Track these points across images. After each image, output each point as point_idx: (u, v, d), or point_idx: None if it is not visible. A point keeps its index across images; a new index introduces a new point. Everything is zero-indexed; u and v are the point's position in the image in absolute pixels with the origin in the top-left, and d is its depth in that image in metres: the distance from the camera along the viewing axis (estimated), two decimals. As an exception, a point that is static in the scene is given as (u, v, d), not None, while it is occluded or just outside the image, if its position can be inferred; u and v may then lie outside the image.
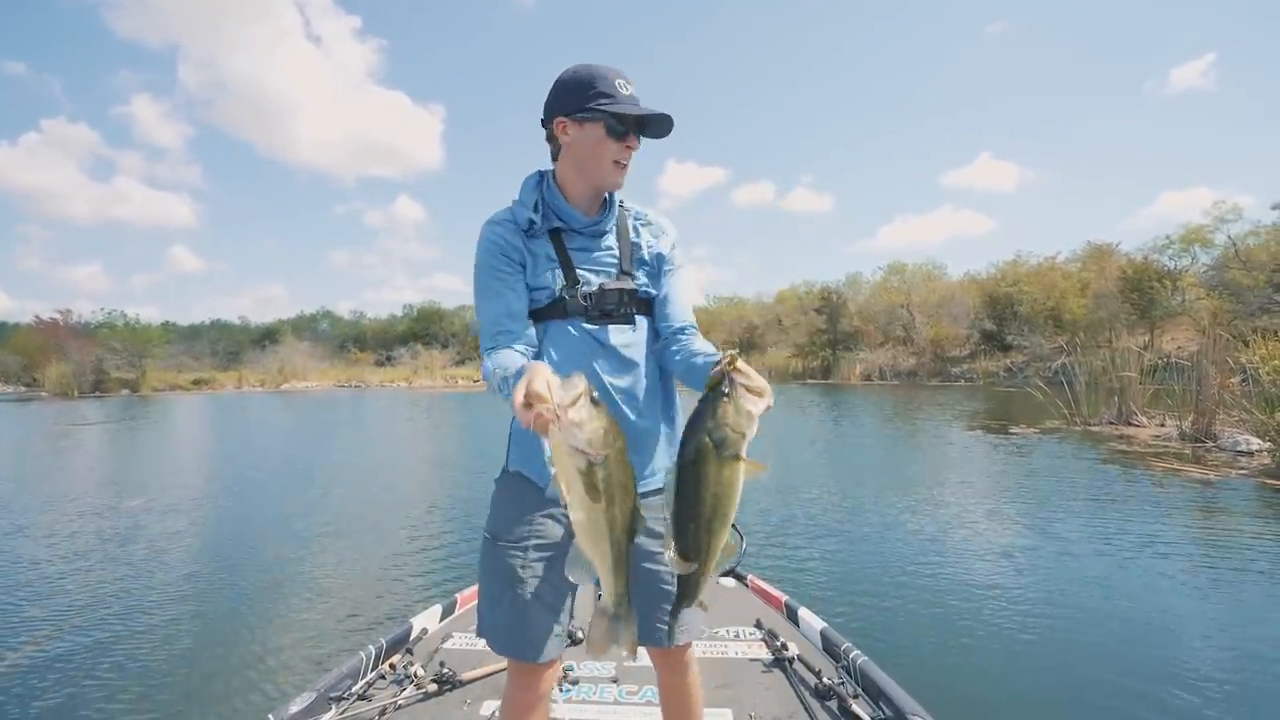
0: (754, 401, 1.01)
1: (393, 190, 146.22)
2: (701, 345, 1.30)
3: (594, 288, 1.29)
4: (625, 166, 1.28)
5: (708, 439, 1.00)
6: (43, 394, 30.35)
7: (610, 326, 1.29)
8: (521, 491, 1.31)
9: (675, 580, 1.22)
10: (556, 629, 1.27)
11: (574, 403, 0.91)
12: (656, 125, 1.27)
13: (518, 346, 1.23)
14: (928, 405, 17.36)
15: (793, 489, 6.72)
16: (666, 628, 1.31)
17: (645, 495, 1.25)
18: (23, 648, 3.30)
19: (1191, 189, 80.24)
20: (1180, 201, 76.90)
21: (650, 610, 1.32)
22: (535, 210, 1.28)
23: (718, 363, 1.03)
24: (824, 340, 35.43)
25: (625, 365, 1.30)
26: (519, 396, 0.93)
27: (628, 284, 1.32)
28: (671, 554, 1.05)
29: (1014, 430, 11.14)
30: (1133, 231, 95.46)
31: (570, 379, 0.93)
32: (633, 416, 1.29)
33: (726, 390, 0.99)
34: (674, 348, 1.32)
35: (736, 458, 1.00)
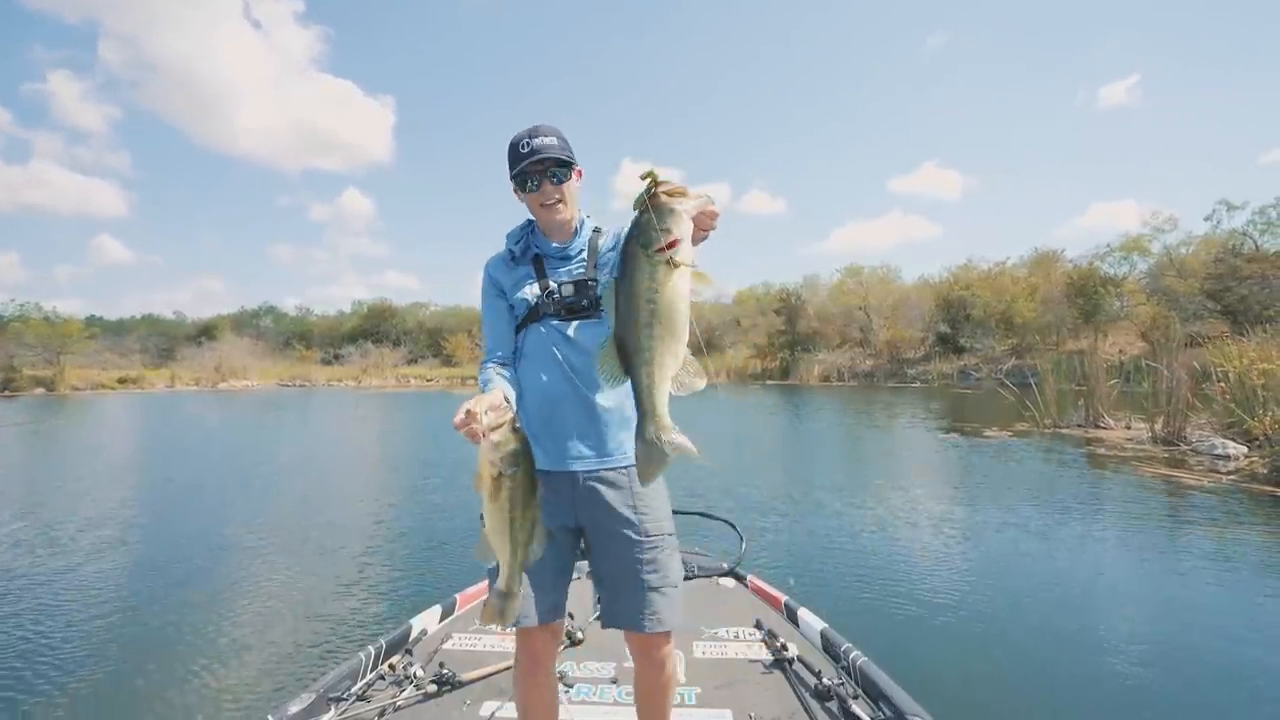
0: (678, 200, 1.00)
1: (340, 183, 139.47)
2: None
3: (559, 291, 1.51)
4: (551, 207, 1.49)
5: (636, 246, 1.03)
6: (-56, 393, 27.72)
7: (575, 321, 1.49)
8: None
9: (648, 509, 1.46)
10: (544, 599, 1.45)
11: (497, 427, 1.14)
12: (544, 161, 1.44)
13: (501, 364, 1.53)
14: (892, 406, 17.60)
15: (790, 489, 6.60)
16: (639, 613, 1.42)
17: (611, 469, 1.48)
18: (17, 649, 3.23)
19: (1120, 201, 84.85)
20: (1110, 212, 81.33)
21: (625, 595, 1.45)
22: (518, 244, 1.57)
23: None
24: (783, 341, 35.82)
25: (583, 352, 1.48)
26: (459, 415, 1.17)
27: (586, 279, 1.51)
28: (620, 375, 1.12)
29: (988, 433, 11.26)
30: (1065, 240, 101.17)
31: (502, 408, 1.21)
32: (589, 394, 1.48)
33: (647, 195, 1.01)
34: None
35: (672, 263, 1.00)
